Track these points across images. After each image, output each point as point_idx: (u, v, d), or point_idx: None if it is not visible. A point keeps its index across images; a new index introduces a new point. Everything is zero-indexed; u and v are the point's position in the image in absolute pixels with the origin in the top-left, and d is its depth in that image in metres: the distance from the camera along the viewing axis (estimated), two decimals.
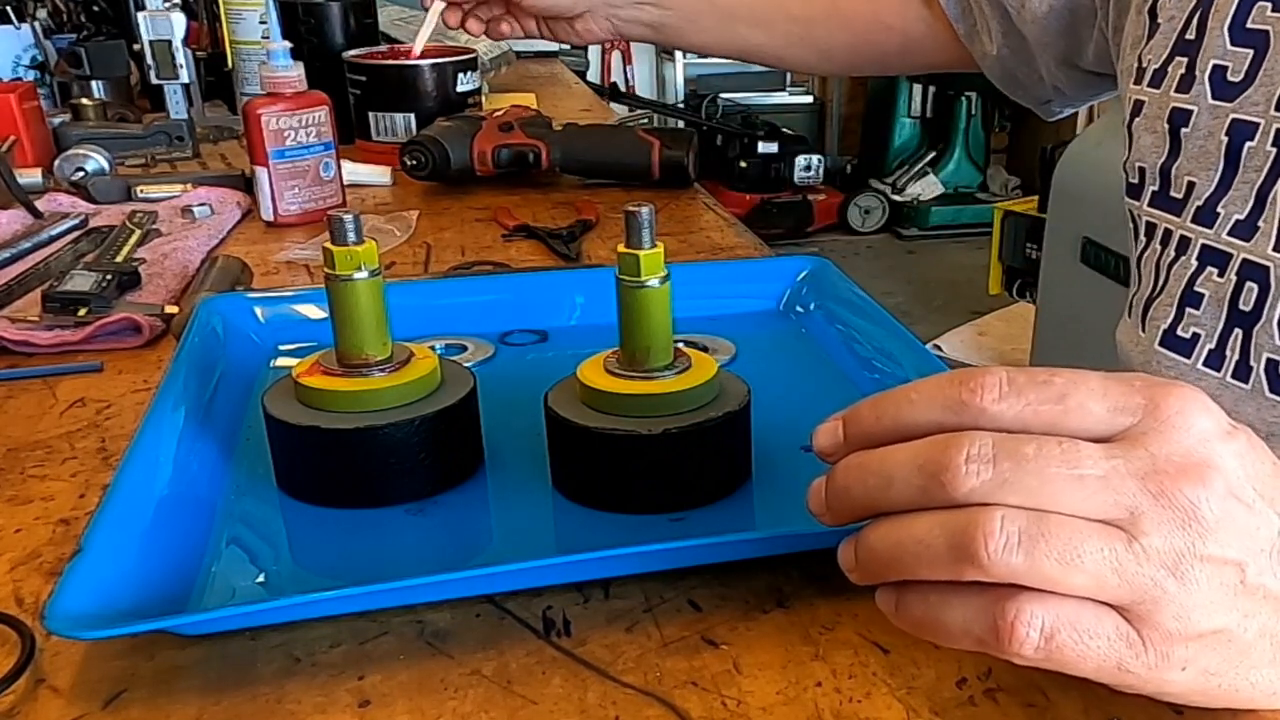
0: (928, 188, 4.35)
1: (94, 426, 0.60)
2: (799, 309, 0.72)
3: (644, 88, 5.16)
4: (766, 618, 0.42)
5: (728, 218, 1.01)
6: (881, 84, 4.83)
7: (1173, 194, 0.67)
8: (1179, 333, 0.65)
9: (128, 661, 0.40)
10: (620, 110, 3.71)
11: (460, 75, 1.24)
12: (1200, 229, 0.64)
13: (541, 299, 0.71)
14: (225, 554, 0.46)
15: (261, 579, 0.45)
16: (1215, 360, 0.63)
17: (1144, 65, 0.70)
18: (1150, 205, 0.69)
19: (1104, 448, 0.33)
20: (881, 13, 0.96)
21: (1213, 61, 0.64)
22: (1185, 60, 0.66)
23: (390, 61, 1.24)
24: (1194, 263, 0.64)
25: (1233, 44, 0.63)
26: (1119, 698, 0.36)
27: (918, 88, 4.44)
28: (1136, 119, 0.70)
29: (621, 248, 0.49)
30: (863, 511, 0.36)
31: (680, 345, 0.51)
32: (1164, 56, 0.68)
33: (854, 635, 0.41)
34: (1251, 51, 0.62)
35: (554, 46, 2.55)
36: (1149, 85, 0.69)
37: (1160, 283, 0.67)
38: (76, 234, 0.93)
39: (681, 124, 4.22)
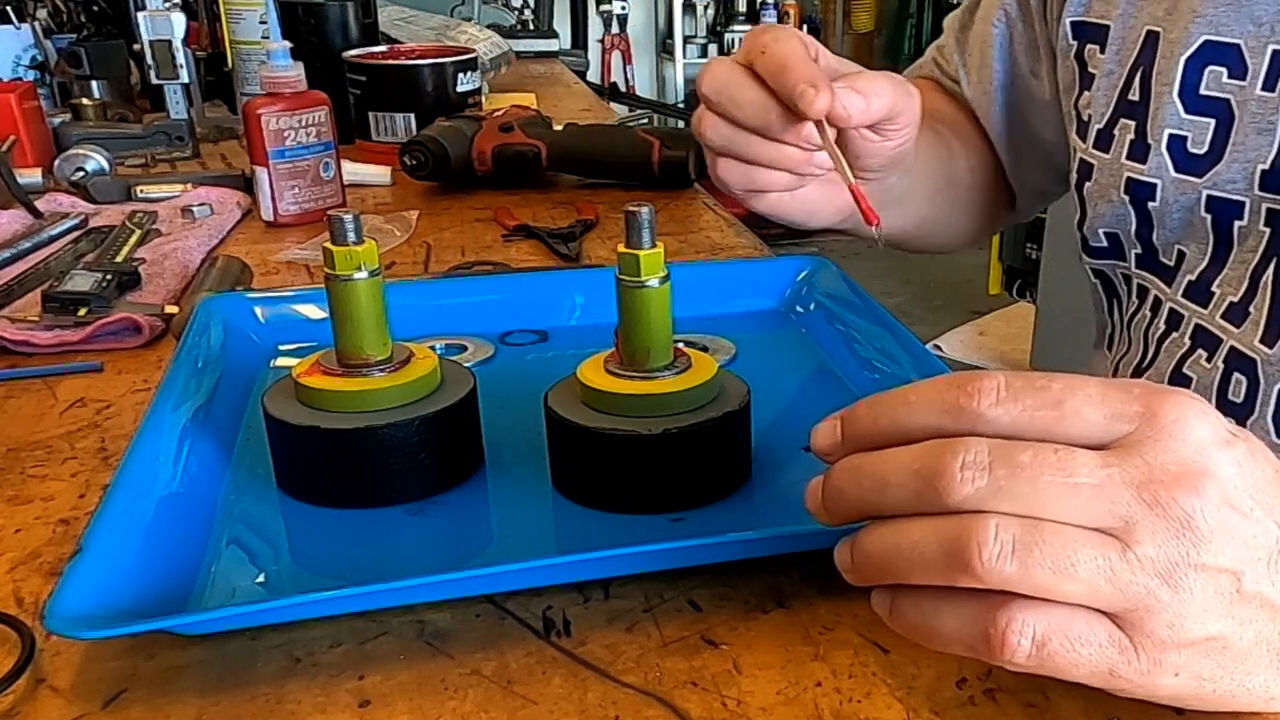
0: None
1: (94, 426, 0.60)
2: (799, 309, 0.72)
3: (644, 88, 5.16)
4: (766, 618, 0.42)
5: (728, 218, 1.01)
6: None
7: (1163, 259, 0.64)
8: None
9: (128, 661, 0.40)
10: (620, 110, 3.71)
11: (460, 75, 1.24)
12: (1193, 306, 0.61)
13: (541, 299, 0.71)
14: (225, 554, 0.46)
15: (261, 579, 0.45)
16: None
17: (1084, 119, 0.67)
18: (1140, 268, 0.65)
19: (1100, 455, 0.33)
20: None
21: (1168, 131, 0.61)
22: (1133, 125, 0.63)
23: (390, 61, 1.23)
24: (1186, 341, 0.62)
25: (1188, 112, 0.60)
26: (1119, 698, 0.36)
27: None
28: (1087, 184, 0.66)
29: (621, 248, 0.49)
30: (858, 514, 0.36)
31: (680, 345, 0.51)
32: (1106, 116, 0.65)
33: (854, 635, 0.41)
34: (1213, 122, 0.59)
35: (554, 46, 2.55)
36: (1095, 147, 0.65)
37: (1151, 355, 0.65)
38: (76, 234, 0.93)
39: (681, 124, 4.22)
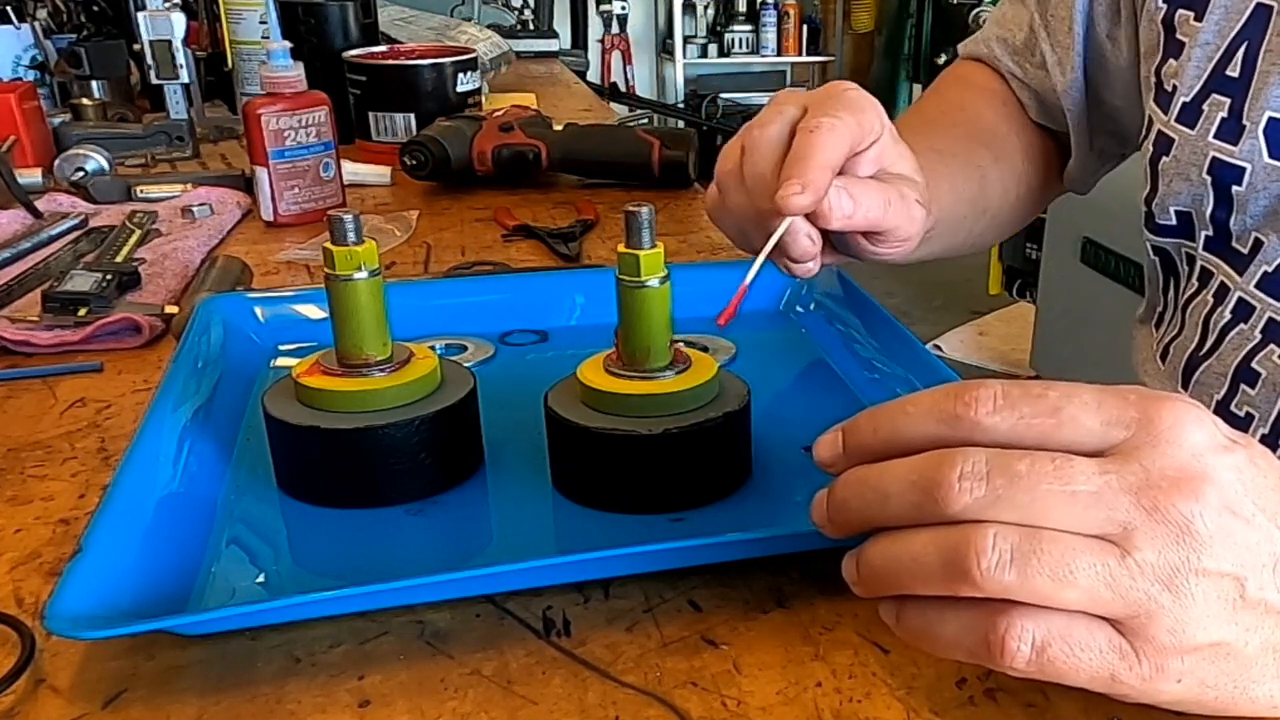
0: None
1: (94, 426, 0.60)
2: (799, 309, 0.72)
3: (644, 88, 5.16)
4: (766, 618, 0.42)
5: None
6: (881, 84, 4.82)
7: (1236, 246, 0.61)
8: (1232, 409, 0.61)
9: (128, 661, 0.40)
10: (620, 110, 3.71)
11: (460, 75, 1.24)
12: (1267, 299, 0.59)
13: (541, 299, 0.71)
14: (225, 554, 0.46)
15: (261, 579, 0.45)
16: (1269, 447, 0.56)
17: (1166, 88, 0.63)
18: (1208, 250, 0.62)
19: (1097, 462, 0.33)
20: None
21: (1269, 114, 0.57)
22: (1228, 102, 0.59)
23: (390, 61, 1.23)
24: (1256, 335, 0.59)
25: None
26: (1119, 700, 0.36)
27: (918, 88, 4.44)
28: (1164, 159, 0.63)
29: (621, 248, 0.49)
30: (862, 525, 0.37)
31: (680, 345, 0.51)
32: (1195, 90, 0.61)
33: (854, 635, 0.41)
34: None
35: (554, 46, 2.55)
36: (1179, 121, 0.62)
37: (1212, 344, 0.62)
38: (76, 234, 0.93)
39: (681, 124, 4.23)
